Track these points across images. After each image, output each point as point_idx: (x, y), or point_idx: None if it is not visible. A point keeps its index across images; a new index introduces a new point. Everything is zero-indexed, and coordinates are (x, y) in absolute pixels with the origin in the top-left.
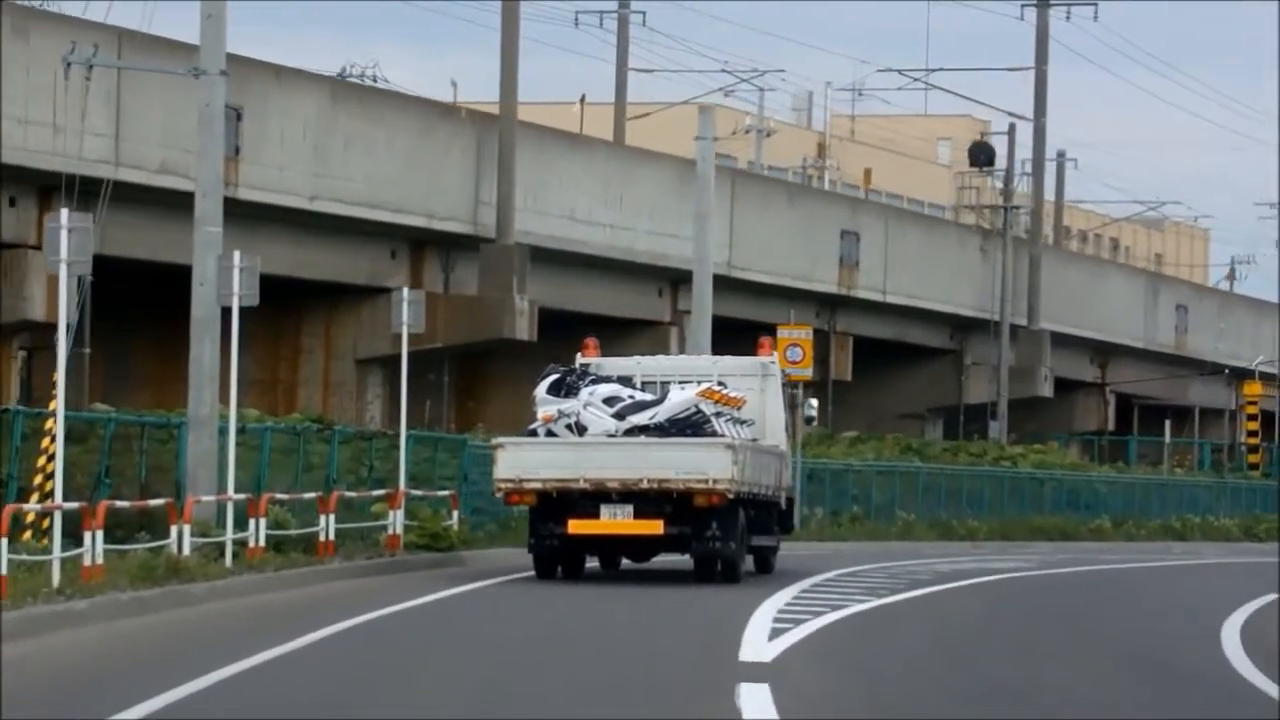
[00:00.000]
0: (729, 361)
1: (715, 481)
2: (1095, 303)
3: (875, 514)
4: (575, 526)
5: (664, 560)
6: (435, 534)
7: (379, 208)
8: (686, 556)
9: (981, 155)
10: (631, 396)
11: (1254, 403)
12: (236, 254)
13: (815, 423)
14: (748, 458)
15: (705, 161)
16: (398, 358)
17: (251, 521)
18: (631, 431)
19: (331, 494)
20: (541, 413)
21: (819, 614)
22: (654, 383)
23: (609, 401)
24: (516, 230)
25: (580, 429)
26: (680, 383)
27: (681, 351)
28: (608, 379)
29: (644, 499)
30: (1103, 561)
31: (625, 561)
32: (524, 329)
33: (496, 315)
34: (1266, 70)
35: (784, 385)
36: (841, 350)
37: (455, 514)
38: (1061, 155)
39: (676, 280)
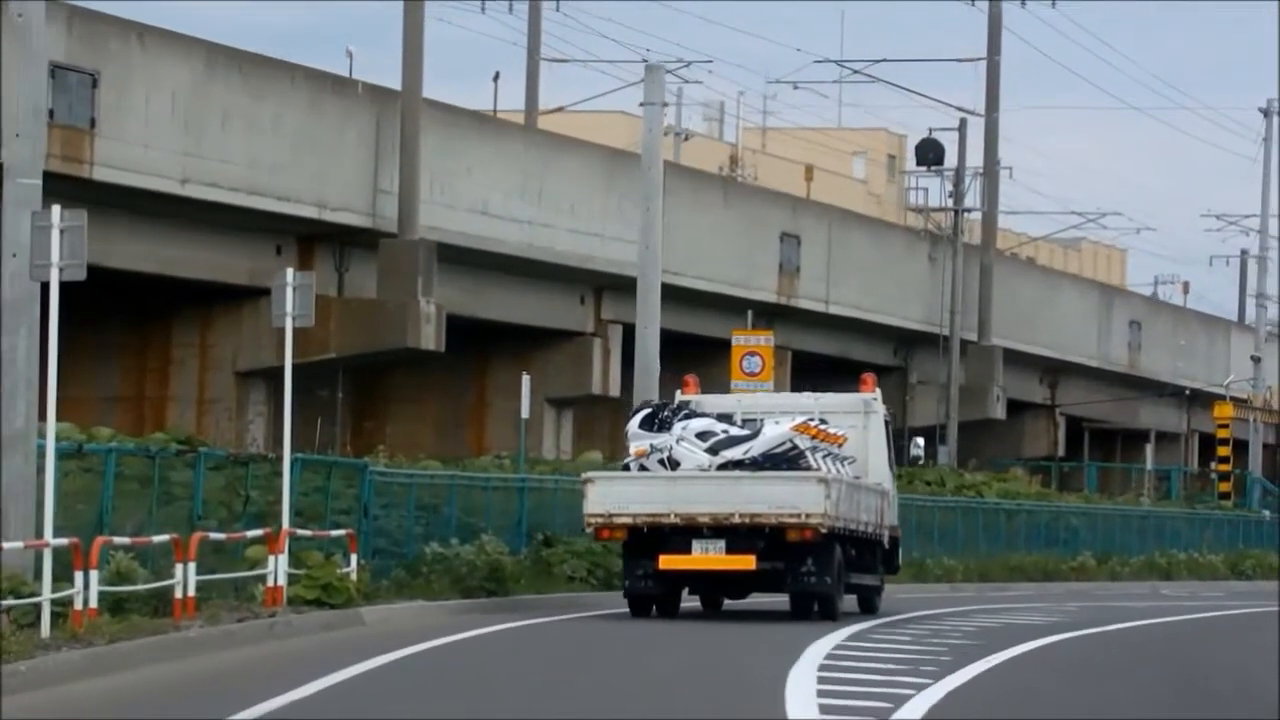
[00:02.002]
0: (831, 399)
1: (808, 516)
2: (1047, 317)
3: None
4: (666, 562)
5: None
6: (328, 585)
7: (261, 195)
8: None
9: (930, 153)
10: (725, 431)
11: (1225, 426)
12: (56, 210)
13: (922, 461)
14: (842, 493)
15: (652, 133)
16: (284, 369)
17: (79, 574)
18: (725, 466)
19: (192, 535)
20: (634, 448)
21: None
22: (755, 420)
23: (702, 436)
24: (421, 225)
25: (673, 464)
26: (775, 419)
27: (615, 369)
28: (705, 415)
29: (736, 534)
30: (1135, 612)
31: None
32: (430, 337)
33: (398, 322)
34: (1224, 73)
35: (888, 423)
36: (780, 366)
37: (354, 559)
38: (995, 163)
39: (601, 286)
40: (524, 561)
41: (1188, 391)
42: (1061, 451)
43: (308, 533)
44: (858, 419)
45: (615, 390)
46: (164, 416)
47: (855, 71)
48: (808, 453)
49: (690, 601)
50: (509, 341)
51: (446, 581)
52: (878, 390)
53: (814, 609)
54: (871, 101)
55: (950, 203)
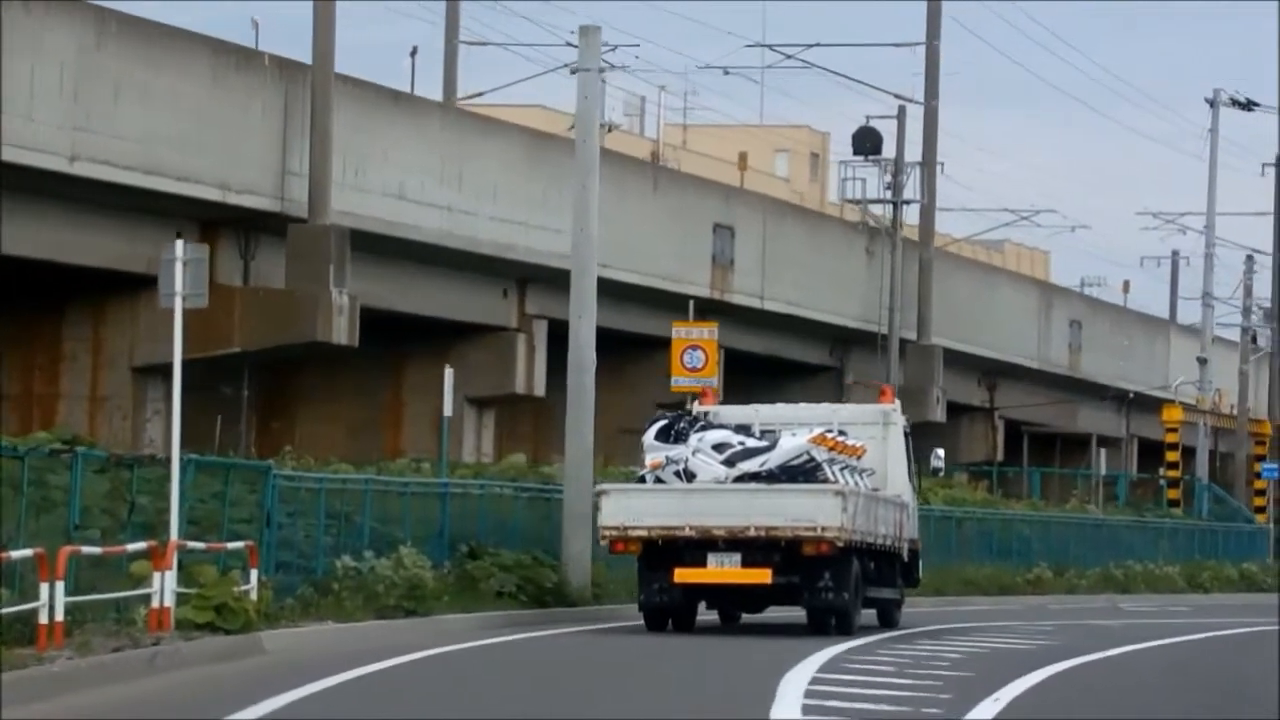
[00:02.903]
0: (849, 410)
1: (824, 529)
2: (987, 316)
3: None
4: (681, 575)
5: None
6: (222, 607)
7: (159, 174)
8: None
9: (867, 142)
10: (741, 443)
11: (1174, 430)
12: None
13: (943, 473)
14: (859, 505)
15: (589, 100)
16: (186, 365)
17: None
18: (741, 478)
19: (61, 548)
20: (649, 459)
21: None
22: (773, 431)
23: (718, 448)
24: (333, 209)
25: (689, 476)
26: (793, 430)
27: (540, 366)
28: (723, 426)
29: (751, 547)
30: (1119, 633)
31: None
32: (342, 330)
33: (308, 313)
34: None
35: (907, 434)
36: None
37: (254, 575)
38: (935, 153)
39: (525, 278)
40: (447, 576)
41: (1131, 395)
42: (1000, 456)
43: (200, 545)
44: (877, 430)
45: (540, 389)
46: (54, 416)
47: (788, 57)
48: (825, 465)
49: (708, 615)
50: (427, 337)
51: (360, 600)
52: (897, 401)
53: (831, 623)
54: (804, 93)
55: (888, 194)
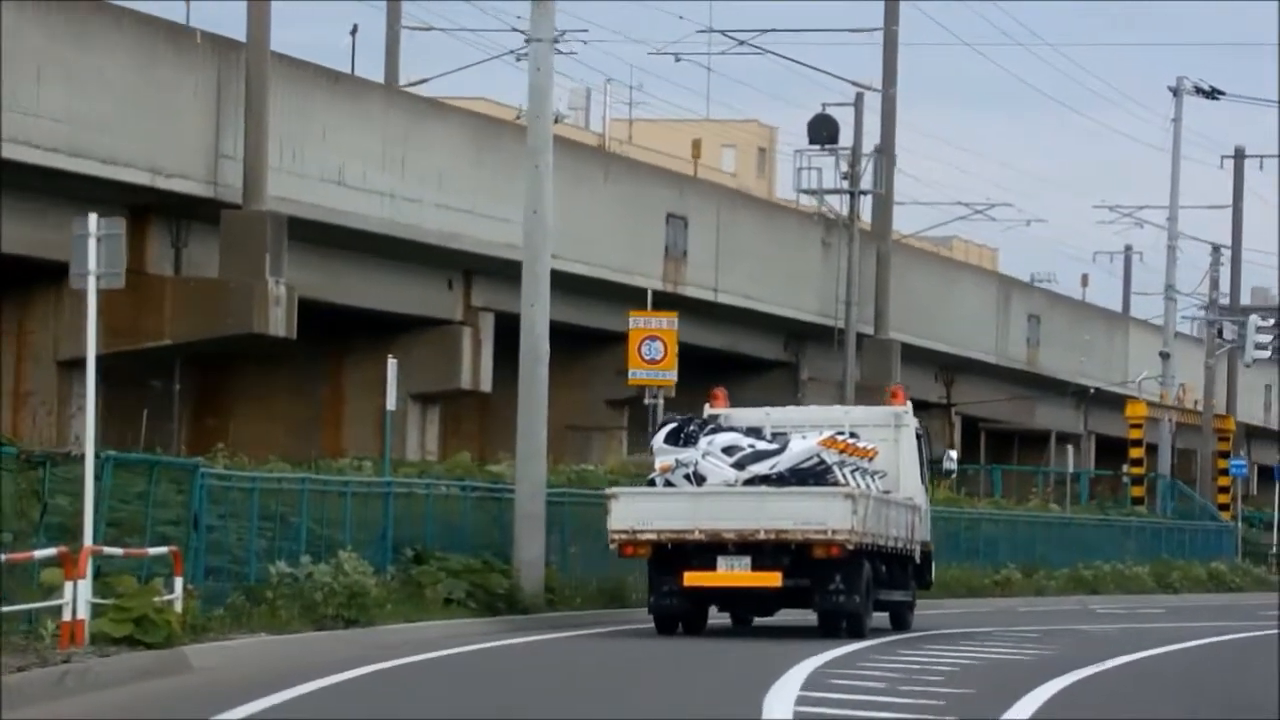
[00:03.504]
0: (861, 412)
1: (834, 532)
2: (945, 311)
3: None
4: (691, 579)
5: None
6: (142, 619)
7: (84, 157)
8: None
9: (823, 130)
10: (751, 446)
11: (1139, 426)
12: None
13: (955, 475)
14: (870, 508)
15: (541, 72)
16: (114, 358)
17: None
18: (751, 481)
19: None
20: (659, 462)
21: None
22: (784, 434)
23: (728, 451)
24: (269, 195)
25: (699, 479)
26: (804, 433)
27: (486, 361)
28: (733, 429)
29: (761, 550)
30: (1112, 639)
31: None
32: (279, 322)
33: (243, 304)
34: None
35: (919, 435)
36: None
37: (178, 583)
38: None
39: (471, 269)
40: (390, 582)
41: (1092, 390)
42: (958, 453)
43: (118, 551)
44: (889, 432)
45: (486, 384)
46: None
47: (741, 43)
48: (835, 467)
49: (720, 619)
50: (368, 330)
51: (296, 609)
52: (909, 403)
53: (842, 626)
54: (759, 81)
55: (845, 185)
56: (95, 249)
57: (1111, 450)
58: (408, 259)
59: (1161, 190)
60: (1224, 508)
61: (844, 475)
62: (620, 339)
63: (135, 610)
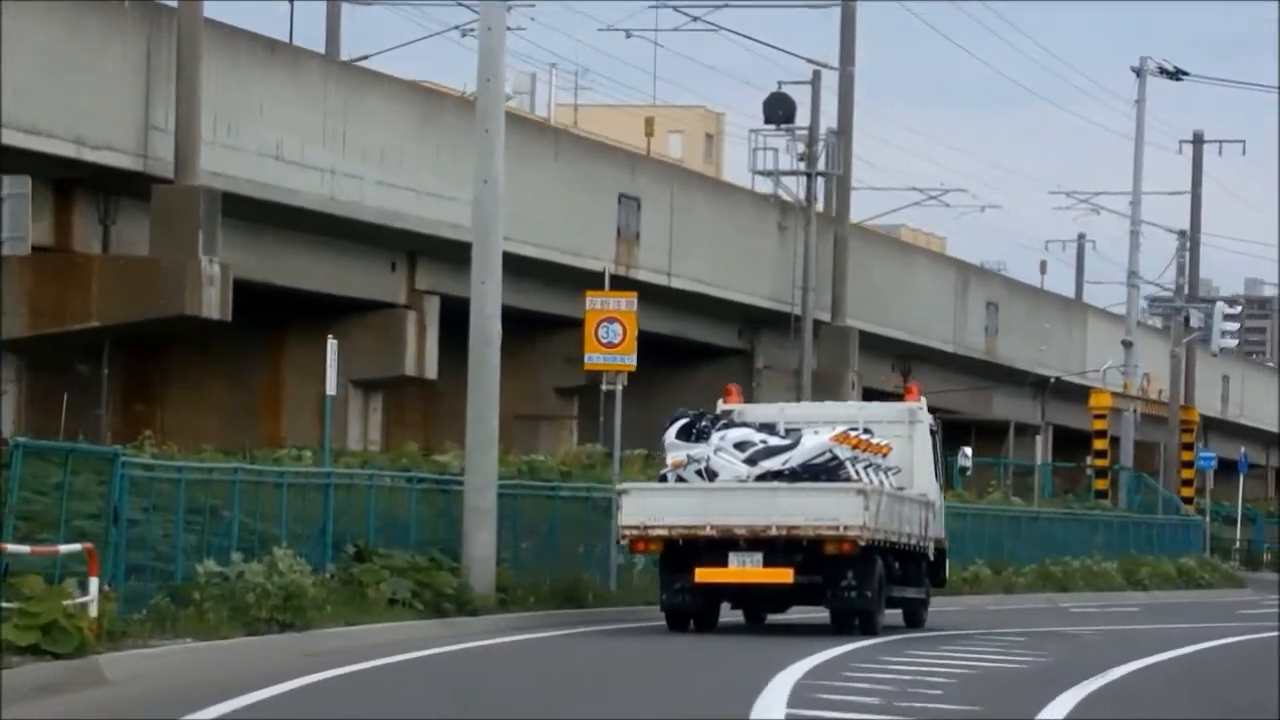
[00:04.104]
0: (875, 408)
1: (846, 528)
2: (902, 297)
3: None
4: (702, 575)
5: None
6: (50, 626)
7: (5, 127)
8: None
9: (779, 109)
10: (764, 441)
11: (1102, 417)
12: None
13: (970, 473)
14: (883, 504)
15: (493, 32)
16: (38, 341)
17: None
18: (764, 477)
19: None
20: (671, 458)
21: None
22: (798, 430)
23: (740, 446)
24: (203, 170)
25: (710, 475)
26: (818, 429)
27: (431, 346)
28: (746, 425)
29: (773, 546)
30: (1099, 646)
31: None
32: (213, 304)
33: (175, 284)
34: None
35: (933, 432)
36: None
37: (94, 584)
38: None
39: (415, 250)
40: (330, 582)
41: (1053, 380)
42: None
43: (24, 549)
44: (902, 428)
45: (431, 371)
46: None
47: (694, 19)
48: (848, 463)
49: (733, 616)
50: (308, 314)
51: (226, 612)
52: (923, 399)
53: (855, 624)
54: (712, 58)
55: (801, 166)
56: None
57: (1069, 442)
58: (349, 239)
59: (1119, 178)
60: (1187, 501)
61: (857, 471)
62: (570, 324)
63: (43, 615)
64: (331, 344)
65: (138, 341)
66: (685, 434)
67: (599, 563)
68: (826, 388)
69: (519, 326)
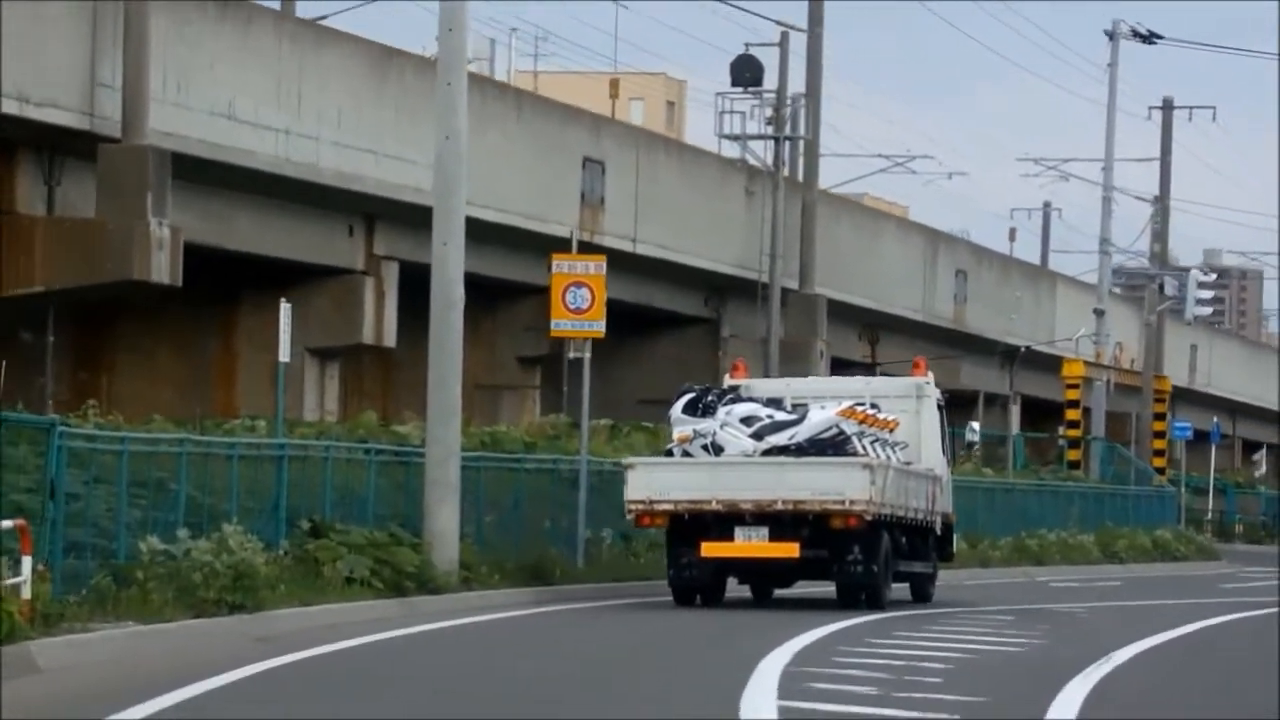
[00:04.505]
0: (882, 383)
1: (852, 503)
2: (870, 265)
3: None
4: (708, 549)
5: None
6: None
7: None
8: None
9: (746, 72)
10: (770, 416)
11: (1075, 386)
12: None
13: (977, 448)
14: (889, 479)
15: None
16: None
17: None
18: (770, 452)
19: None
20: (677, 433)
21: None
22: (804, 405)
23: (747, 421)
24: (152, 129)
25: (717, 449)
26: (825, 404)
27: (390, 313)
28: (752, 400)
29: (779, 521)
30: (1087, 622)
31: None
32: (162, 268)
33: (122, 248)
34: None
35: (941, 407)
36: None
37: (27, 563)
38: (796, 98)
39: (373, 214)
40: (284, 559)
41: (1023, 349)
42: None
43: None
44: (910, 403)
45: (390, 339)
46: None
47: None
48: (854, 438)
49: (739, 591)
50: (262, 280)
51: (171, 592)
52: (930, 374)
53: (861, 598)
54: (675, 19)
55: (769, 130)
56: None
57: (1036, 412)
58: (304, 202)
59: (1087, 145)
60: (1159, 471)
61: (863, 446)
62: (533, 292)
63: None
64: (285, 307)
65: (85, 307)
66: (692, 409)
67: (566, 538)
68: (794, 357)
69: (480, 294)
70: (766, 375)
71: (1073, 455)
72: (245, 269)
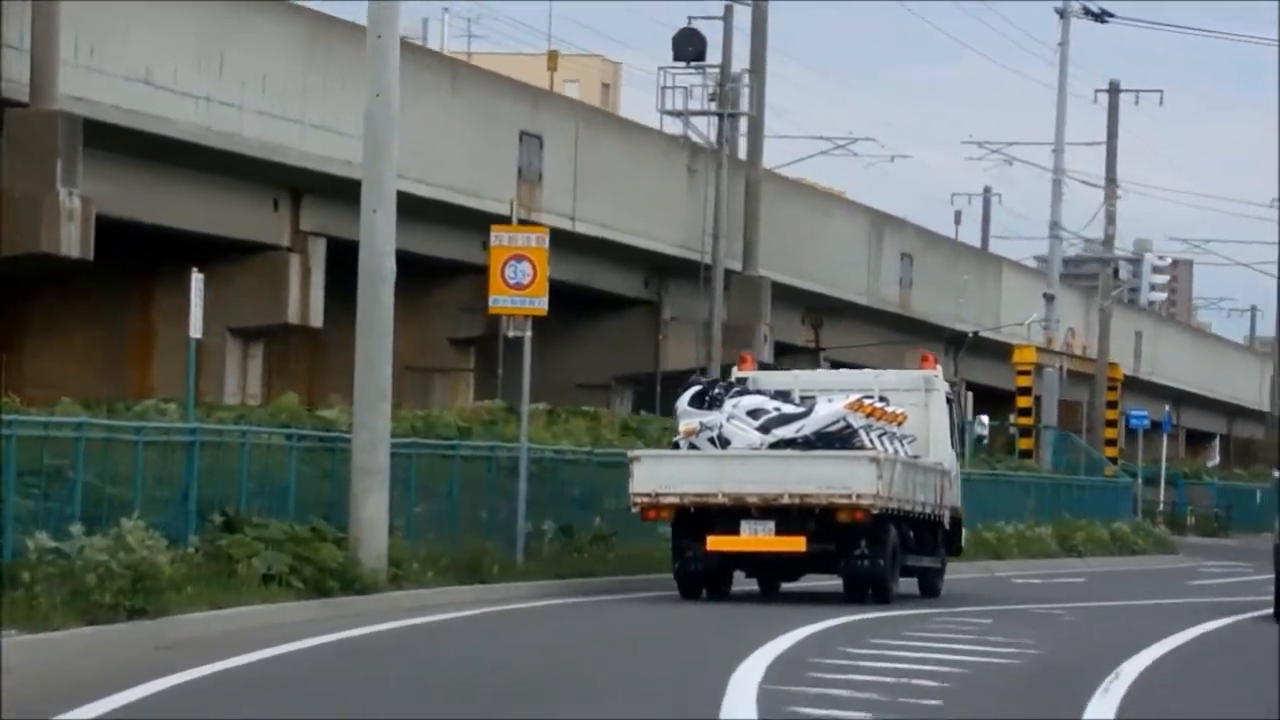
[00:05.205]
0: (891, 375)
1: (859, 497)
2: (815, 247)
3: (632, 527)
4: (714, 543)
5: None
6: None
7: None
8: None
9: (689, 46)
10: (777, 409)
11: (1026, 373)
12: None
13: (987, 442)
14: (897, 472)
15: None
16: None
17: None
18: (777, 445)
19: None
20: (683, 426)
21: None
22: (812, 397)
23: (753, 414)
24: (62, 94)
25: (723, 442)
26: (834, 396)
27: (317, 292)
28: (760, 392)
29: (785, 515)
30: (1068, 624)
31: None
32: (73, 241)
33: (30, 219)
34: None
35: (949, 399)
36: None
37: None
38: (740, 74)
39: (299, 188)
40: (194, 557)
41: (971, 335)
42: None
43: None
44: (919, 396)
45: (317, 319)
46: None
47: None
48: (861, 431)
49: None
50: (182, 255)
51: (63, 596)
52: (939, 367)
53: (868, 592)
54: None
55: (713, 106)
56: None
57: (982, 400)
58: (227, 174)
59: (1033, 128)
60: (1112, 460)
61: (871, 439)
62: (467, 270)
63: None
64: (197, 279)
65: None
66: (699, 401)
67: (504, 531)
68: (737, 341)
69: (411, 273)
70: (708, 359)
71: (1025, 444)
72: (164, 243)
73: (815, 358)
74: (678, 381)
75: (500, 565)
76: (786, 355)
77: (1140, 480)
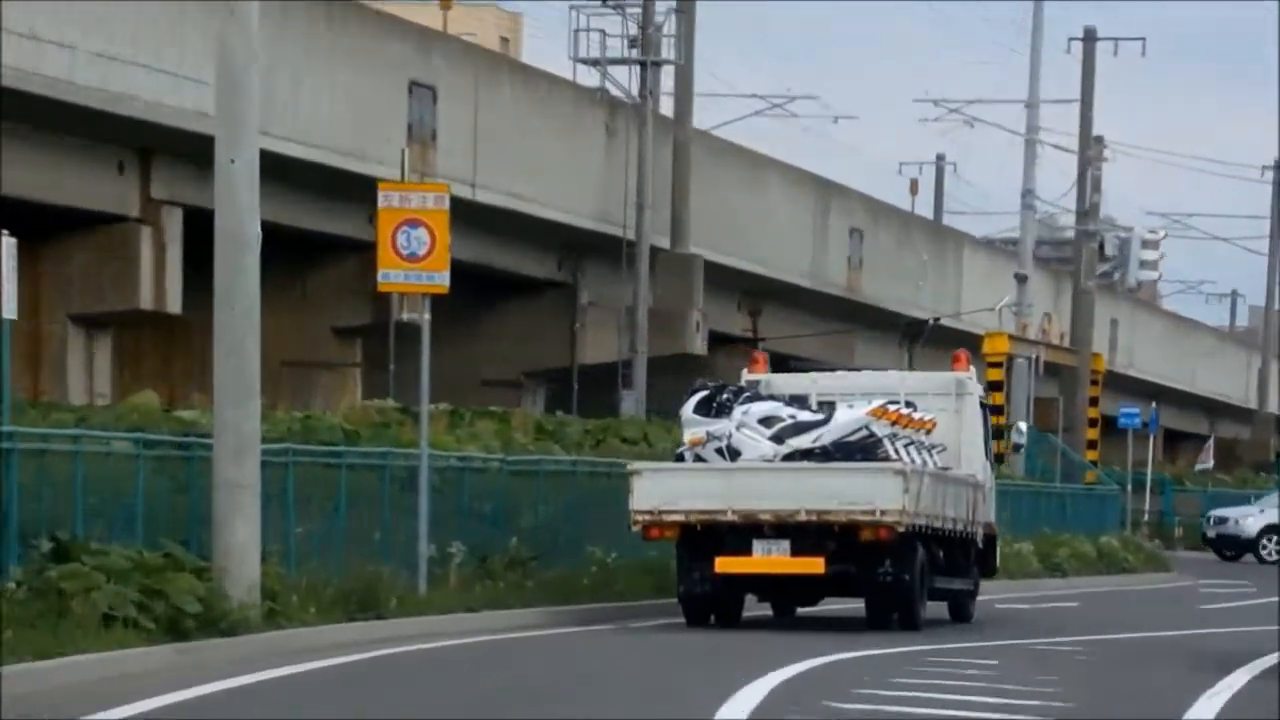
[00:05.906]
0: (918, 378)
1: (883, 513)
2: (753, 222)
3: (556, 547)
4: (723, 565)
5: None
6: None
7: None
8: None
9: None
10: (792, 416)
11: (998, 365)
12: None
13: (1024, 449)
14: (925, 486)
15: None
16: None
17: None
18: (792, 456)
19: None
20: (688, 435)
21: None
22: (831, 403)
23: (766, 422)
24: None
25: (733, 454)
26: (855, 401)
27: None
28: (773, 398)
29: (802, 533)
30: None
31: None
32: None
33: None
34: None
35: (984, 405)
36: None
37: None
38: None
39: (149, 147)
40: (14, 594)
41: (931, 321)
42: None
43: None
44: (949, 401)
45: (174, 304)
46: None
47: None
48: (886, 440)
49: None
50: (10, 228)
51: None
52: (972, 369)
53: (894, 618)
54: None
55: (635, 54)
56: None
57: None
58: (60, 130)
59: (997, 87)
60: (1092, 465)
61: (896, 449)
62: (351, 247)
63: None
64: (8, 243)
65: None
66: (705, 408)
67: (403, 554)
68: (666, 329)
69: (285, 251)
70: (633, 350)
71: (998, 447)
72: None
73: (754, 350)
74: (595, 376)
75: (399, 597)
76: (722, 345)
77: (1129, 486)
